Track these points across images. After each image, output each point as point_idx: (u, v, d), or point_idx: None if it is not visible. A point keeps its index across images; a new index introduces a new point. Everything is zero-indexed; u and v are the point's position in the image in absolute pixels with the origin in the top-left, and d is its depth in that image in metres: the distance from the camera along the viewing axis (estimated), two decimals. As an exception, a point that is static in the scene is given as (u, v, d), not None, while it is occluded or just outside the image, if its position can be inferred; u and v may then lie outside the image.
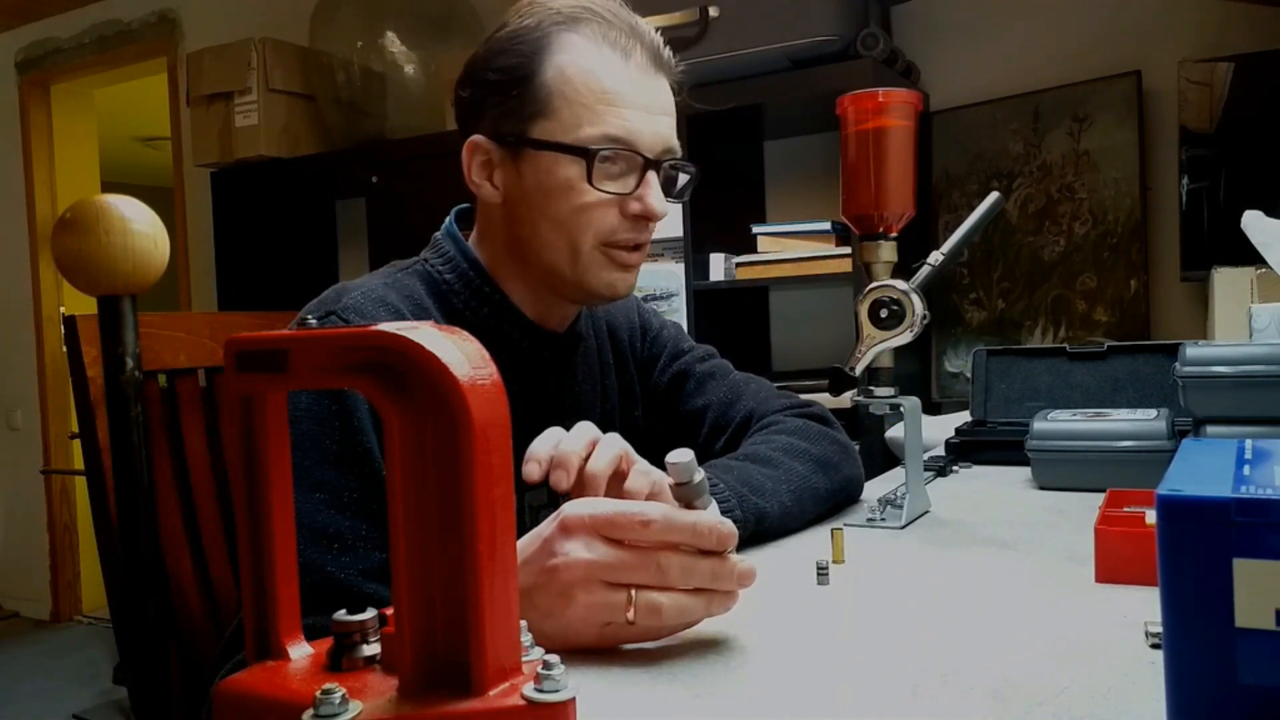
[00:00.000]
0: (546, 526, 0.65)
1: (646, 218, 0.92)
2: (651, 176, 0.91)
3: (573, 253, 0.91)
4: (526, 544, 0.66)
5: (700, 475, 0.66)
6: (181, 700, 0.96)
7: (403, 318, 0.86)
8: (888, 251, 1.00)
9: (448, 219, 1.00)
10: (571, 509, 0.65)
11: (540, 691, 0.40)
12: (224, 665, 0.76)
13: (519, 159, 0.91)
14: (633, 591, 0.62)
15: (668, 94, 0.94)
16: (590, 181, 0.88)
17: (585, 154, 0.88)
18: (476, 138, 0.92)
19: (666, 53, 0.95)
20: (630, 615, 0.62)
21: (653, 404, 1.11)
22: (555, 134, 0.89)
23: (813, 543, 0.93)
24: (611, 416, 1.06)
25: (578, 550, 0.63)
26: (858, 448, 1.12)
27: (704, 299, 2.31)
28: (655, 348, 1.13)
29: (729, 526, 0.64)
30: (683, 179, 1.00)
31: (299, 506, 0.73)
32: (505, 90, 0.90)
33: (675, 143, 0.94)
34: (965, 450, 1.35)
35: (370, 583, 0.77)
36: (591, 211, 0.90)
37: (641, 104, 0.90)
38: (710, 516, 0.65)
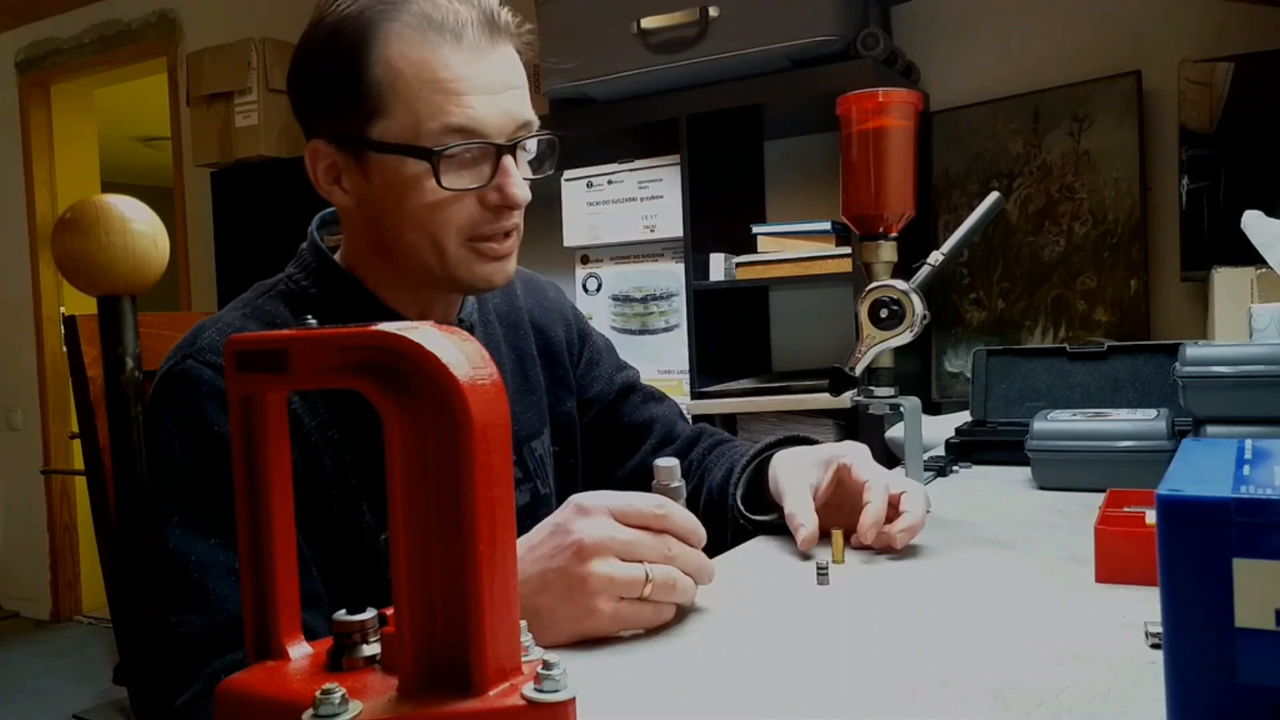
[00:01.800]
0: (560, 513, 0.71)
1: (508, 206, 0.86)
2: (507, 162, 0.85)
3: (438, 251, 0.86)
4: (537, 530, 0.71)
5: (680, 482, 0.76)
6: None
7: None
8: (888, 251, 1.00)
9: (310, 227, 0.95)
10: (585, 497, 0.71)
11: (540, 691, 0.40)
12: (204, 669, 0.76)
13: (363, 162, 0.85)
14: (649, 569, 0.68)
15: (512, 64, 0.86)
16: (439, 181, 0.82)
17: (428, 155, 0.81)
18: (317, 143, 0.87)
19: (504, 15, 0.86)
20: (647, 591, 0.68)
21: (597, 407, 1.12)
22: (395, 134, 0.82)
23: (813, 543, 0.93)
24: (540, 407, 1.06)
25: (595, 528, 0.68)
26: None
27: (704, 299, 2.30)
28: (594, 354, 1.14)
29: (704, 530, 0.73)
30: (540, 151, 0.92)
31: (204, 553, 0.77)
32: (335, 91, 0.84)
33: (529, 115, 0.86)
34: (965, 450, 1.34)
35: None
36: (448, 208, 0.84)
37: (483, 86, 0.83)
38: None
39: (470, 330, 0.98)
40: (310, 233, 0.95)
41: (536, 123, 0.88)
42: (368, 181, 0.86)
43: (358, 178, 0.86)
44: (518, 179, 0.86)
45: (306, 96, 0.88)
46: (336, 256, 0.93)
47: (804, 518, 0.87)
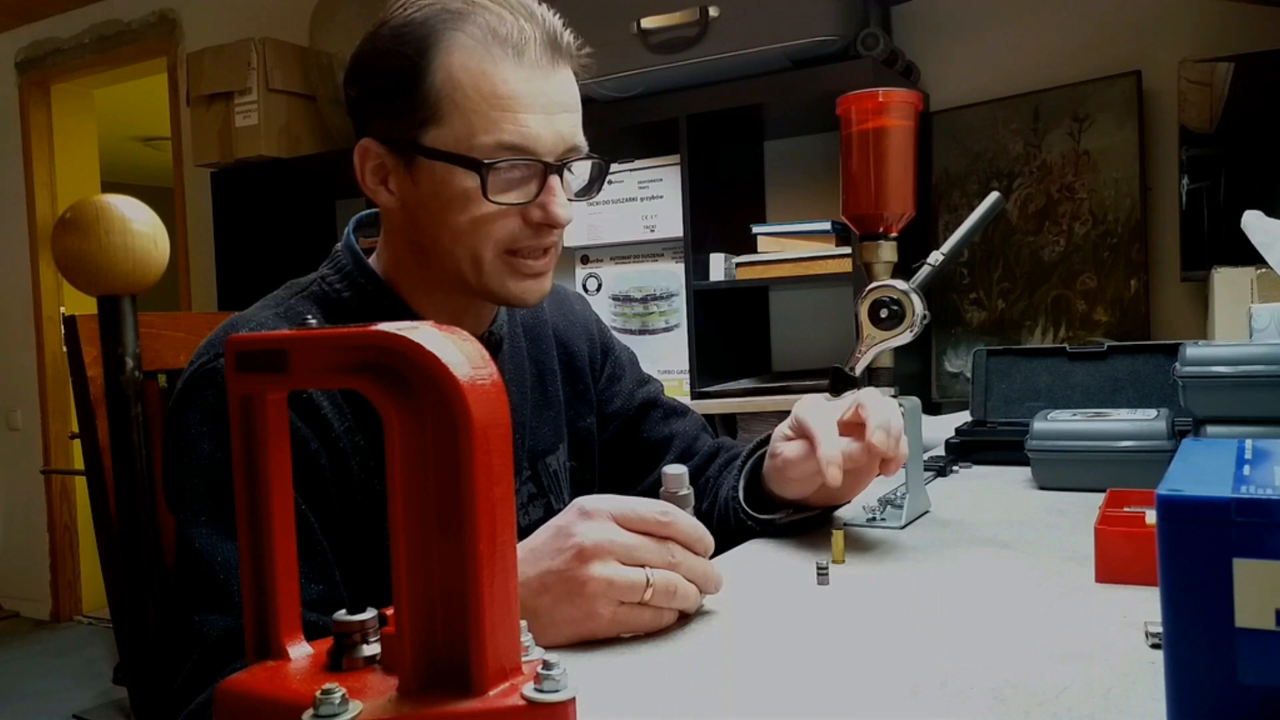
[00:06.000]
0: (563, 516, 0.71)
1: (550, 225, 0.87)
2: (554, 182, 0.86)
3: (475, 262, 0.87)
4: (539, 532, 0.71)
5: (688, 489, 0.75)
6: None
7: None
8: (888, 251, 1.00)
9: (347, 228, 0.96)
10: (588, 500, 0.71)
11: (540, 691, 0.40)
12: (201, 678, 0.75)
13: (413, 166, 0.86)
14: (650, 574, 0.68)
15: (569, 86, 0.88)
16: (486, 195, 0.83)
17: (478, 167, 0.83)
18: (368, 142, 0.88)
19: (566, 38, 0.88)
20: (648, 595, 0.67)
21: (616, 423, 1.12)
22: (448, 143, 0.84)
23: (813, 543, 0.93)
24: (558, 422, 1.05)
25: (596, 531, 0.68)
26: None
27: (704, 299, 2.30)
28: (617, 369, 1.14)
29: (711, 538, 0.73)
30: (590, 176, 0.94)
31: (230, 555, 0.76)
32: (393, 93, 0.85)
33: (579, 139, 0.89)
34: (965, 450, 1.34)
35: (311, 613, 0.77)
36: (491, 222, 0.85)
37: (539, 105, 0.84)
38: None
39: (499, 343, 0.99)
40: (346, 234, 0.95)
41: (585, 148, 0.90)
42: (415, 186, 0.87)
43: (405, 181, 0.87)
44: (562, 199, 0.87)
45: (363, 95, 0.89)
46: (371, 260, 0.94)
47: (827, 449, 0.84)
